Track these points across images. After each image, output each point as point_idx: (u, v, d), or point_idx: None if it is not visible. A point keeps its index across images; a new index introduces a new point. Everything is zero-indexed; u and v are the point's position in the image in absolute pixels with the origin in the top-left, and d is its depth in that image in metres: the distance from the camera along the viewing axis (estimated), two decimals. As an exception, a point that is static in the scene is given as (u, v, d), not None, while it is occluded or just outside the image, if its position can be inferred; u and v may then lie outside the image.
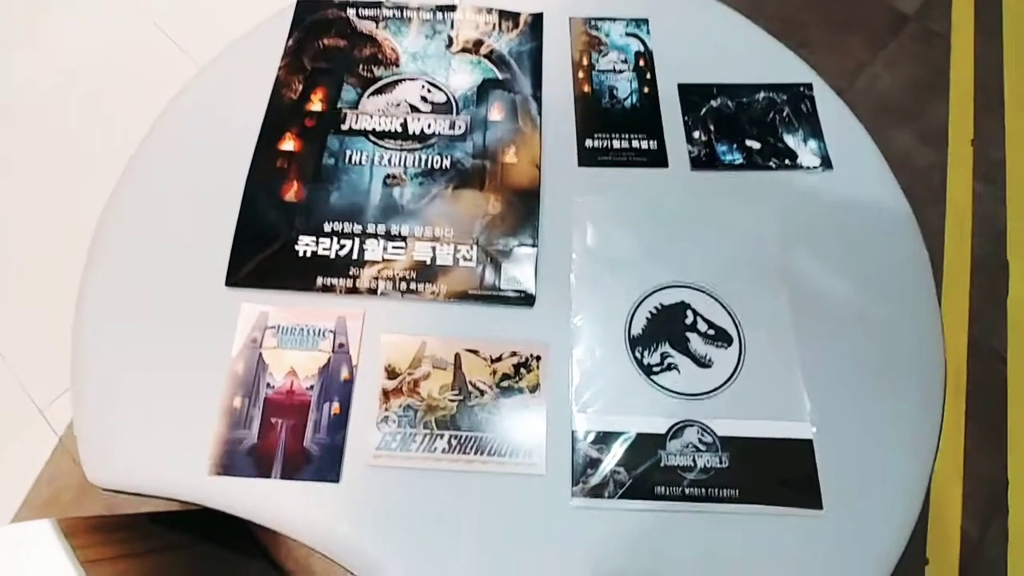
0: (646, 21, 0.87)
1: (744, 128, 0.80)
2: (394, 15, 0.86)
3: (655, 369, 0.65)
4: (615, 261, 0.70)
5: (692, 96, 0.82)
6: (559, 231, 0.72)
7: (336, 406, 0.63)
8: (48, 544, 0.60)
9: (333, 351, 0.65)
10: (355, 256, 0.69)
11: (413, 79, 0.81)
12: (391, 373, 0.64)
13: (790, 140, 0.79)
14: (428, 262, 0.69)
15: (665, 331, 0.67)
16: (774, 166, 0.77)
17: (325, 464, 0.60)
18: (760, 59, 0.85)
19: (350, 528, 0.59)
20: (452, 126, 0.78)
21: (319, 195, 0.72)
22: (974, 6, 1.70)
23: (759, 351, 0.66)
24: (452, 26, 0.86)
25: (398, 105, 0.79)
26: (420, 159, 0.75)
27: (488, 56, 0.83)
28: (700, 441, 0.62)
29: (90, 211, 0.74)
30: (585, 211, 0.73)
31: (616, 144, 0.78)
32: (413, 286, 0.68)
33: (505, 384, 0.64)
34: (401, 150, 0.75)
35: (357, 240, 0.70)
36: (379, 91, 0.80)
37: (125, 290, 0.68)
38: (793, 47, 0.86)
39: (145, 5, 1.65)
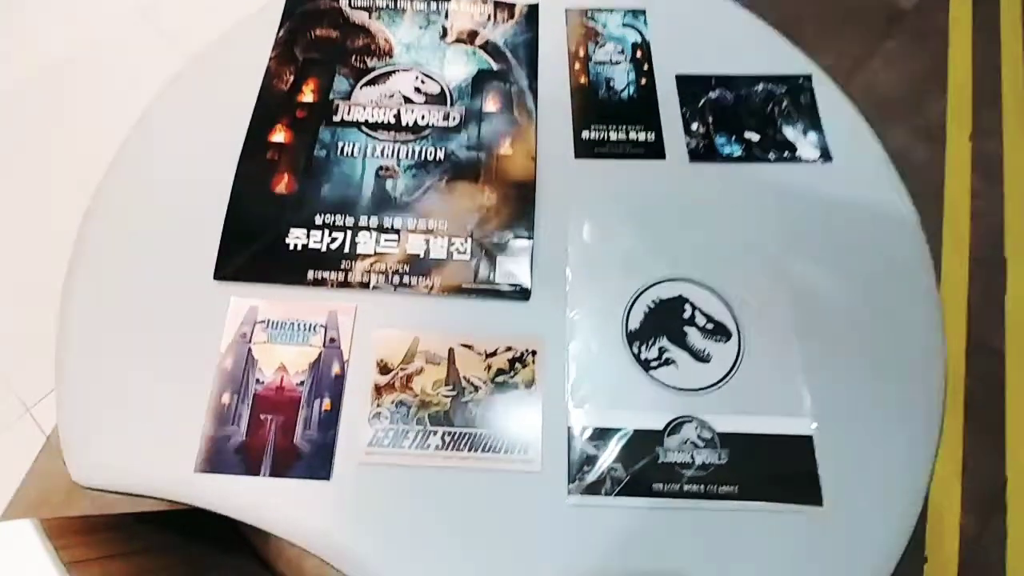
0: (643, 12, 0.85)
1: (743, 120, 0.78)
2: (387, 5, 0.85)
3: (653, 364, 0.64)
4: (612, 254, 0.69)
5: (690, 88, 0.81)
6: (555, 224, 0.71)
7: (327, 402, 0.61)
8: (29, 545, 0.58)
9: (324, 346, 0.64)
10: (347, 249, 0.67)
11: (407, 70, 0.80)
12: (383, 368, 0.63)
13: (789, 132, 0.78)
14: (421, 255, 0.67)
15: (663, 325, 0.66)
16: (773, 158, 0.76)
17: (315, 461, 0.59)
18: (759, 50, 0.84)
19: (341, 527, 0.57)
20: (446, 117, 0.76)
21: (310, 187, 0.71)
22: (972, 1, 1.70)
23: (758, 346, 0.65)
24: (446, 16, 0.84)
25: (391, 96, 0.78)
26: (414, 151, 0.73)
27: (483, 47, 0.82)
28: (699, 437, 0.61)
29: (76, 205, 0.72)
30: (582, 204, 0.72)
31: (613, 136, 0.77)
32: (406, 280, 0.66)
33: (500, 379, 0.63)
34: (394, 142, 0.74)
35: (349, 233, 0.68)
36: (372, 82, 0.79)
37: (111, 284, 0.67)
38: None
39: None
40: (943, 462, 1.15)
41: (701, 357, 0.64)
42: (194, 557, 0.77)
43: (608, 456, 0.60)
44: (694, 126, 0.78)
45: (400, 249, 0.68)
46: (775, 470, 0.59)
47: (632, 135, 0.77)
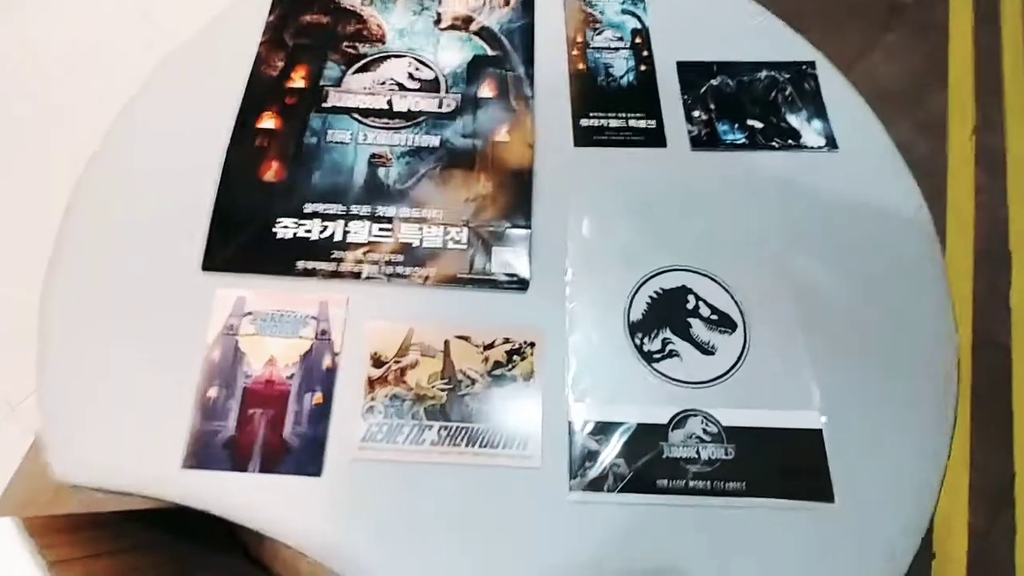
0: (643, -3, 0.83)
1: (745, 107, 0.76)
2: (380, -10, 0.83)
3: (656, 356, 0.62)
4: (612, 244, 0.67)
5: (691, 74, 0.79)
6: (554, 213, 0.69)
7: (318, 396, 0.59)
8: (11, 544, 0.56)
9: (315, 338, 0.61)
10: (338, 239, 0.65)
11: (400, 56, 0.78)
12: (377, 361, 0.60)
13: (793, 119, 0.76)
14: (415, 245, 0.65)
15: (666, 316, 0.64)
16: (777, 146, 0.74)
17: (306, 457, 0.57)
18: (761, 36, 0.82)
19: (333, 525, 0.55)
20: (441, 104, 0.74)
21: (300, 175, 0.68)
22: (972, -6, 1.68)
23: (764, 337, 0.63)
24: (440, 2, 0.82)
25: (384, 83, 0.75)
26: (407, 138, 0.71)
27: (478, 33, 0.80)
28: (704, 431, 0.58)
29: (60, 194, 0.70)
30: (581, 192, 0.70)
31: (613, 123, 0.75)
32: (400, 270, 0.64)
33: (497, 372, 0.60)
34: (387, 128, 0.72)
35: (340, 222, 0.66)
36: (364, 68, 0.76)
37: (95, 276, 0.64)
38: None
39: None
40: (950, 458, 1.13)
41: (706, 349, 0.62)
42: (183, 556, 0.75)
43: (610, 451, 0.57)
44: (696, 113, 0.76)
45: (393, 238, 0.65)
46: (784, 465, 0.57)
47: (632, 122, 0.75)
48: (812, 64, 0.80)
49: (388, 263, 0.64)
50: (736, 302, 0.64)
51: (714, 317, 0.64)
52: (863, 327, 0.64)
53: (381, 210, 0.67)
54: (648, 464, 0.57)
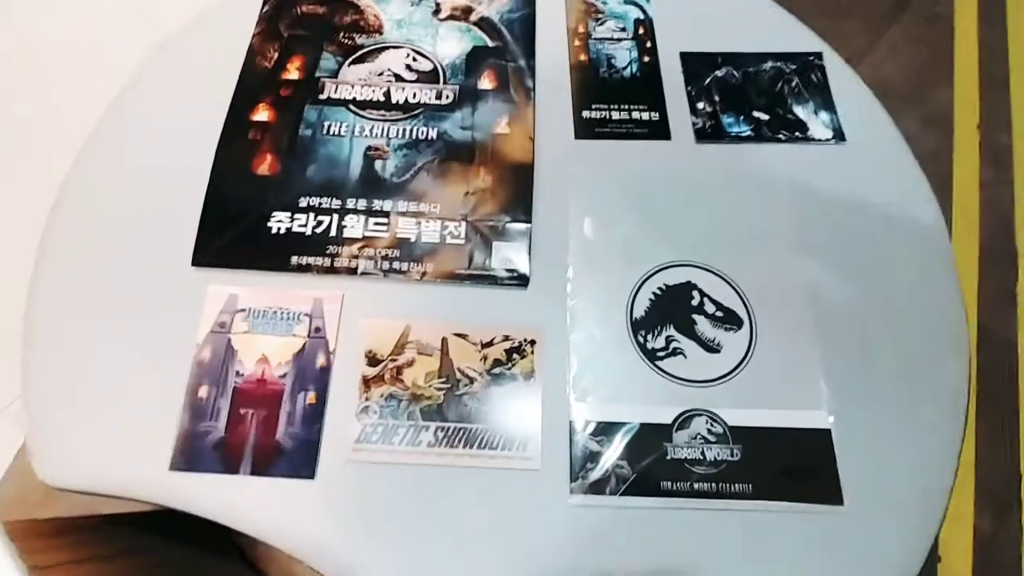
0: (646, -12, 0.81)
1: (751, 99, 0.75)
2: (377, -20, 0.81)
3: (659, 354, 0.60)
4: (615, 239, 0.65)
5: (695, 65, 0.77)
6: (555, 207, 0.67)
7: (312, 396, 0.57)
8: (-8, 548, 0.54)
9: (309, 336, 0.60)
10: (333, 233, 0.63)
11: (397, 47, 0.76)
12: (372, 360, 0.59)
13: (800, 111, 0.74)
14: (413, 240, 0.63)
15: (670, 313, 0.62)
16: (784, 138, 0.72)
17: (299, 459, 0.55)
18: (766, 27, 0.81)
19: (326, 529, 0.53)
20: (439, 96, 0.72)
21: (294, 168, 0.67)
22: (978, -13, 1.66)
23: (772, 334, 0.61)
24: (439, -8, 0.80)
25: (381, 74, 0.74)
26: (404, 130, 0.69)
27: (478, 23, 0.78)
28: (709, 432, 0.57)
29: (49, 188, 0.68)
30: (583, 186, 0.68)
31: (615, 115, 0.73)
32: (396, 265, 0.62)
33: (496, 371, 0.59)
34: (384, 120, 0.70)
35: (335, 216, 0.64)
36: (360, 59, 0.75)
37: (82, 272, 0.63)
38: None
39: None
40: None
41: (711, 347, 0.60)
42: (176, 560, 0.73)
43: (612, 453, 0.56)
44: (700, 105, 0.74)
45: (390, 233, 0.64)
46: (791, 467, 0.56)
47: (635, 115, 0.73)
48: (819, 55, 0.78)
49: (384, 258, 0.62)
50: (742, 298, 0.63)
51: (719, 314, 0.62)
52: (872, 323, 0.62)
53: (377, 204, 0.65)
54: (651, 465, 0.55)
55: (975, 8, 1.63)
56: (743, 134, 0.72)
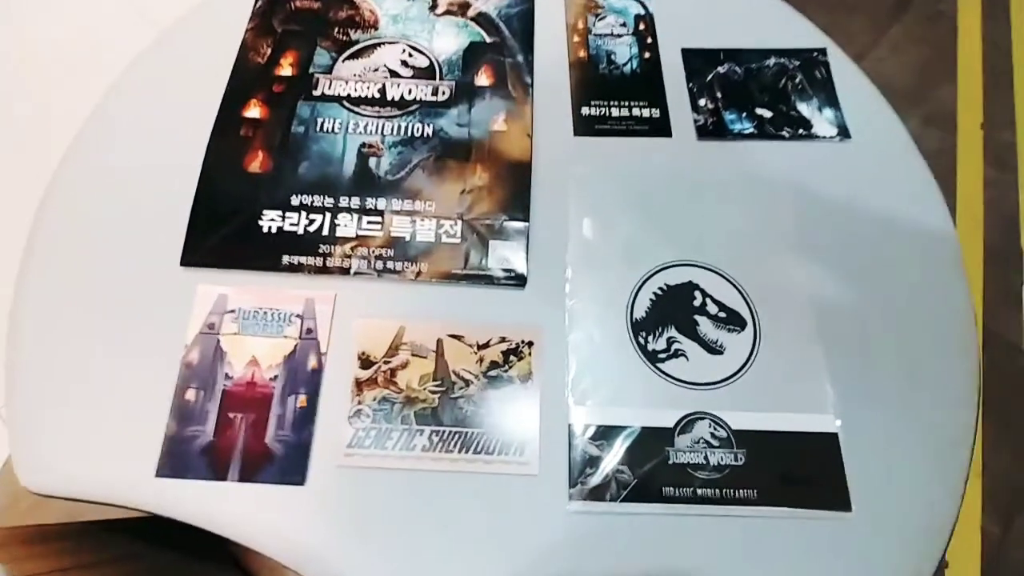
0: (646, -18, 0.80)
1: (754, 95, 0.73)
2: (372, -25, 0.79)
3: (661, 356, 0.58)
4: (615, 238, 0.64)
5: (697, 62, 0.75)
6: (553, 205, 0.65)
7: (302, 399, 0.56)
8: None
9: (300, 337, 0.58)
10: (326, 232, 0.62)
11: (393, 43, 0.74)
12: (365, 362, 0.57)
13: (804, 108, 0.73)
14: (407, 239, 0.62)
15: (671, 314, 0.60)
16: (787, 135, 0.71)
17: (289, 464, 0.53)
18: (769, 23, 0.79)
19: (317, 537, 0.52)
20: (435, 92, 0.71)
21: (286, 165, 0.65)
22: (981, -16, 1.65)
23: (776, 335, 0.59)
24: (436, -13, 0.79)
25: (376, 70, 0.72)
26: (399, 127, 0.68)
27: (475, 19, 0.77)
28: (712, 436, 0.55)
29: (37, 185, 0.66)
30: (582, 184, 0.66)
31: (615, 112, 0.71)
32: (390, 265, 0.61)
33: (493, 373, 0.57)
34: (379, 117, 0.68)
35: (328, 214, 0.63)
36: (355, 55, 0.73)
37: (69, 271, 0.61)
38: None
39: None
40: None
41: (713, 348, 0.59)
42: (166, 568, 0.72)
43: (613, 457, 0.54)
44: (702, 102, 0.72)
45: (384, 232, 0.62)
46: (797, 472, 0.54)
47: (636, 111, 0.71)
48: (823, 51, 0.76)
49: (378, 258, 0.61)
50: (745, 298, 0.61)
51: (722, 314, 0.60)
52: (879, 324, 0.61)
53: (371, 202, 0.63)
54: (653, 471, 0.54)
55: (978, 5, 1.61)
56: (746, 131, 0.70)
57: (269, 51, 0.73)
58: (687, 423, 0.55)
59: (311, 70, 0.72)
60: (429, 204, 0.64)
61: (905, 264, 0.64)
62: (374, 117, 0.68)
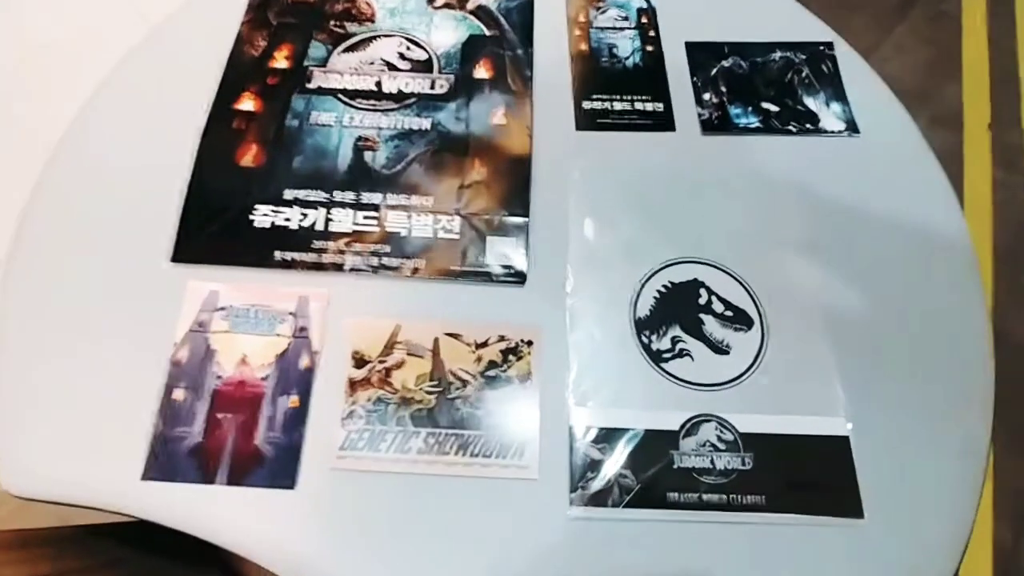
0: (649, -25, 0.78)
1: (759, 90, 0.72)
2: (370, -33, 0.78)
3: (665, 356, 0.57)
4: (617, 234, 0.62)
5: (701, 55, 0.74)
6: (553, 201, 0.64)
7: (294, 399, 0.54)
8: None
9: (292, 336, 0.56)
10: (320, 227, 0.60)
11: (390, 36, 0.73)
12: (359, 361, 0.55)
13: (811, 102, 0.71)
14: (404, 234, 0.60)
15: (676, 312, 0.58)
16: (794, 130, 0.69)
17: (280, 467, 0.51)
18: (775, 16, 0.78)
19: (308, 542, 0.50)
20: (433, 85, 0.69)
21: (280, 159, 0.63)
22: (986, -17, 1.63)
23: (784, 335, 0.58)
24: (434, -21, 0.77)
25: (372, 63, 0.71)
26: (396, 121, 0.66)
27: (474, 12, 0.75)
28: (719, 439, 0.53)
29: (27, 181, 0.65)
30: (583, 179, 0.65)
31: (617, 106, 0.70)
32: (386, 261, 0.59)
33: (491, 373, 0.55)
34: (375, 110, 0.67)
35: (322, 209, 0.61)
36: (351, 48, 0.72)
37: (55, 267, 0.59)
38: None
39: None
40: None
41: (719, 348, 0.57)
42: (151, 574, 0.70)
43: (615, 461, 0.52)
44: (706, 96, 0.71)
45: (379, 227, 0.60)
46: (807, 476, 0.52)
47: (639, 105, 0.70)
48: (830, 45, 0.75)
49: (373, 254, 0.59)
50: (752, 297, 0.59)
51: (728, 313, 0.58)
52: (890, 323, 0.59)
53: (366, 197, 0.62)
54: (657, 475, 0.52)
55: (983, 5, 1.60)
56: (751, 126, 0.69)
57: (264, 44, 0.71)
58: (692, 425, 0.54)
59: (306, 63, 0.70)
60: (426, 199, 0.62)
61: (916, 262, 0.62)
62: (370, 110, 0.67)
